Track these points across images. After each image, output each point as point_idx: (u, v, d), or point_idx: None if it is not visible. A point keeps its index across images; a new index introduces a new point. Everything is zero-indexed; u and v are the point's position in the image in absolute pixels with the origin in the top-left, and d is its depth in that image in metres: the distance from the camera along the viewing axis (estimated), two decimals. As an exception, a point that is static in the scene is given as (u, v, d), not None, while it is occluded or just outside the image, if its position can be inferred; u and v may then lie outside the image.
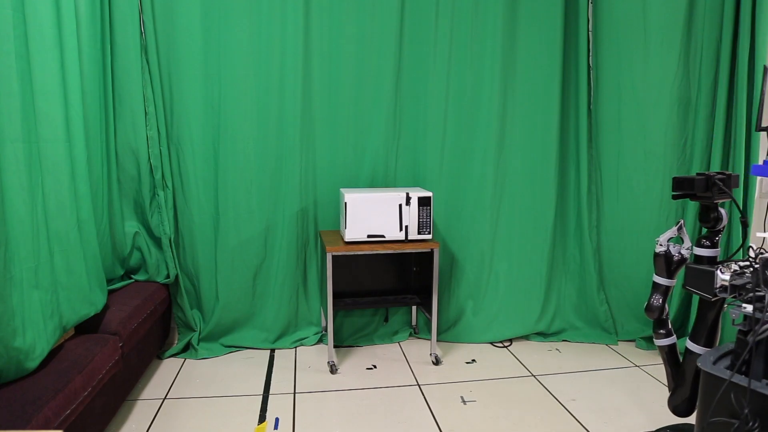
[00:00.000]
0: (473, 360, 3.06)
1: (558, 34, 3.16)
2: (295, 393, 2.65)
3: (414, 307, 3.41)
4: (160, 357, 3.03)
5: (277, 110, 3.05)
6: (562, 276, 3.41)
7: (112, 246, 2.73)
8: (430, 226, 2.89)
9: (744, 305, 1.58)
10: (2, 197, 1.70)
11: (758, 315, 1.53)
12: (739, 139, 2.85)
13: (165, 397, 2.59)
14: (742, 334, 1.60)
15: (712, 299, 1.85)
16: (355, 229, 2.83)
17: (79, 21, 2.30)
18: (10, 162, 1.76)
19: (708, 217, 1.96)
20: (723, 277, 1.74)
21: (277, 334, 3.20)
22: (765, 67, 1.88)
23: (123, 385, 2.40)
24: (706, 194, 1.90)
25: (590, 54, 3.23)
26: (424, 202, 2.86)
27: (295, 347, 3.20)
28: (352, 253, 2.82)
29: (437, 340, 3.28)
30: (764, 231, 2.89)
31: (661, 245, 2.06)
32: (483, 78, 3.18)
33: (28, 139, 1.86)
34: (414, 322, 3.43)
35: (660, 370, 2.93)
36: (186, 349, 3.09)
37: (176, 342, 3.15)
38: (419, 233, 2.89)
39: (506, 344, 3.30)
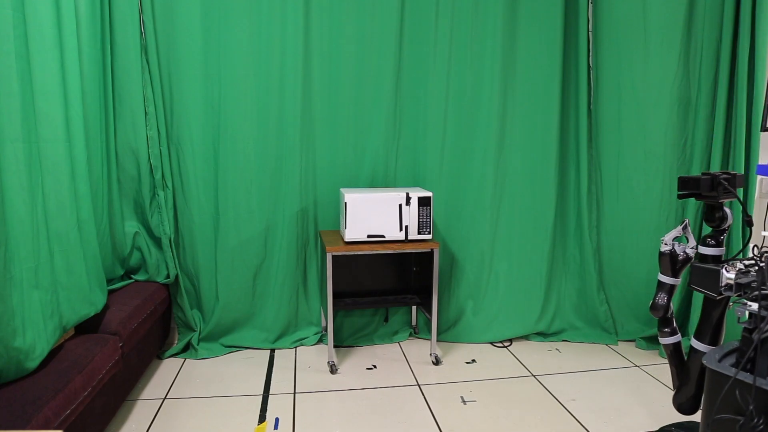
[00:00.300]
0: (473, 360, 3.06)
1: (558, 34, 3.16)
2: (295, 393, 2.65)
3: (414, 307, 3.41)
4: (160, 357, 3.03)
5: (277, 110, 3.05)
6: (562, 276, 3.41)
7: (112, 246, 2.72)
8: (430, 226, 2.89)
9: (749, 303, 1.59)
10: (2, 197, 1.70)
11: (763, 313, 1.55)
12: (739, 139, 2.85)
13: (165, 397, 2.59)
14: (747, 332, 1.62)
15: (717, 298, 1.86)
16: (355, 229, 2.82)
17: (79, 21, 2.30)
18: (10, 162, 1.76)
19: (713, 217, 1.98)
20: (728, 275, 1.75)
21: (277, 334, 3.20)
22: None
23: (123, 385, 2.40)
24: (712, 194, 1.92)
25: (590, 54, 3.23)
26: (424, 202, 2.86)
27: (295, 347, 3.20)
28: (352, 253, 2.82)
29: (437, 340, 3.28)
30: (765, 230, 2.90)
31: (666, 244, 2.07)
32: (483, 78, 3.18)
33: (28, 139, 1.86)
34: (414, 322, 3.43)
35: (660, 370, 2.93)
36: (186, 349, 3.09)
37: (176, 342, 3.15)
38: (419, 233, 2.89)
39: (506, 344, 3.30)
